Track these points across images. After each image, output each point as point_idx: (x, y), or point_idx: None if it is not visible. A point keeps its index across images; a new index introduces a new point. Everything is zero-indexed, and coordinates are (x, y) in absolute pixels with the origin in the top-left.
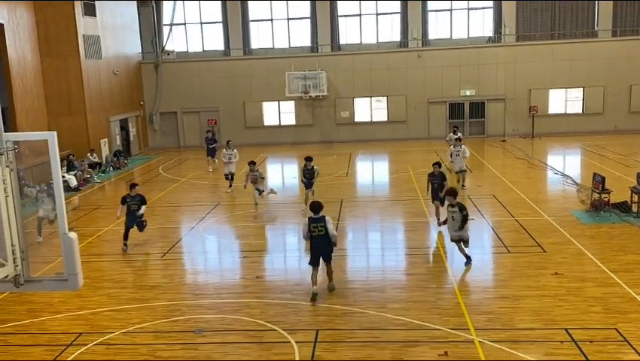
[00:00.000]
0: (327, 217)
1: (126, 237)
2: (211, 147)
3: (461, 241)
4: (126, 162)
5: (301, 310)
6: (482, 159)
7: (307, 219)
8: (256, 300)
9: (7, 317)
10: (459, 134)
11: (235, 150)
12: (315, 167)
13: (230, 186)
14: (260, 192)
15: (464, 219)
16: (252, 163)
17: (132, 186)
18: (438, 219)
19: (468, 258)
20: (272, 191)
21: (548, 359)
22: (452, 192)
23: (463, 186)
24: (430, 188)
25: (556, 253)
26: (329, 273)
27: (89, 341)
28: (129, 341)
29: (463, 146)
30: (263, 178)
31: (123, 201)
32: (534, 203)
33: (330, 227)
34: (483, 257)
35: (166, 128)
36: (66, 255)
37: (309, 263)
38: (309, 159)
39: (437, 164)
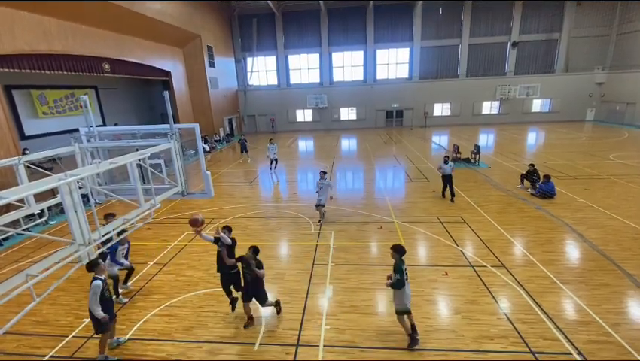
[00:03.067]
0: None
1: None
2: (244, 143)
3: None
4: (231, 139)
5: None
6: (400, 137)
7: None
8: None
9: None
10: (450, 164)
11: (275, 145)
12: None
13: (273, 166)
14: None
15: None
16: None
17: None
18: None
19: None
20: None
21: (427, 230)
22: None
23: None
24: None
25: (433, 182)
26: None
27: None
28: None
29: (327, 178)
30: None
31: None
32: (424, 158)
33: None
34: (401, 184)
35: (250, 122)
36: (206, 182)
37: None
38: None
39: (253, 249)
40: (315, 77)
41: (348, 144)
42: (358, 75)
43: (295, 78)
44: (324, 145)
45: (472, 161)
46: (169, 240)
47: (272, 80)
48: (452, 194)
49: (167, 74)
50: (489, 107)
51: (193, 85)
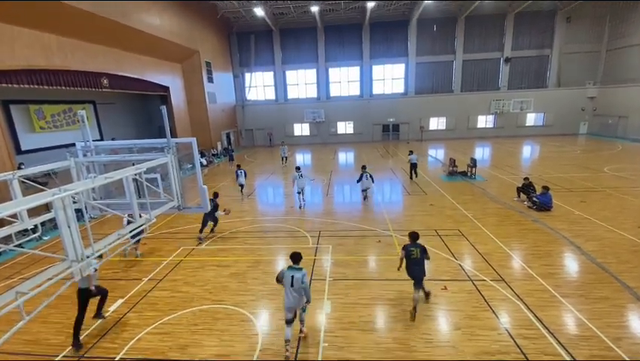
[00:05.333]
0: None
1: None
2: (231, 154)
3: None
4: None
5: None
6: (397, 151)
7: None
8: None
9: None
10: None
11: (286, 146)
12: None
13: (284, 163)
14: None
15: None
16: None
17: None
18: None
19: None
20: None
21: (425, 244)
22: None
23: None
24: None
25: (431, 195)
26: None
27: None
28: None
29: (301, 170)
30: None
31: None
32: (421, 171)
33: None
34: (399, 198)
35: (247, 136)
36: (202, 196)
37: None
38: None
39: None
40: (312, 92)
41: (345, 157)
42: (355, 90)
43: (292, 93)
44: (321, 158)
45: (469, 174)
46: (164, 255)
47: (270, 94)
48: (416, 175)
49: (166, 89)
50: (484, 121)
51: (191, 100)
